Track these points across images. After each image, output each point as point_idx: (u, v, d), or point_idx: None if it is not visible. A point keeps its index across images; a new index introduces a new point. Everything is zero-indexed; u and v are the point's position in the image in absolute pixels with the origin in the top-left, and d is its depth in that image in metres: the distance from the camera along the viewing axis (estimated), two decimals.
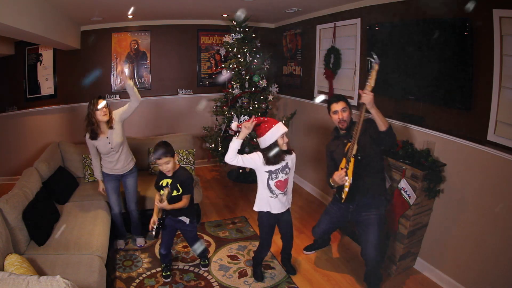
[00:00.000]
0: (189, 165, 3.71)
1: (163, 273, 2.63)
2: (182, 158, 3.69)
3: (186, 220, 2.51)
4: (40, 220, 2.50)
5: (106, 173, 2.83)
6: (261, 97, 4.32)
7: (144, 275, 2.67)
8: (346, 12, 3.46)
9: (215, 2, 3.57)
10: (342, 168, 2.29)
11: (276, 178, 2.31)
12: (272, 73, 4.82)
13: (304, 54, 4.36)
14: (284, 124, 2.31)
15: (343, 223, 2.72)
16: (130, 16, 4.22)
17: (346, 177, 2.25)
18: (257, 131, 2.31)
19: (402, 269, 2.74)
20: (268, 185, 2.33)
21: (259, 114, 4.28)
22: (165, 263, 2.65)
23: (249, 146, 4.17)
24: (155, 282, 2.60)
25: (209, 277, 2.67)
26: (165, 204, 2.36)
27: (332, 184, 2.37)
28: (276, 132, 2.23)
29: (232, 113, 4.28)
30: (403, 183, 2.52)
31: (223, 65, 4.49)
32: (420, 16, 2.63)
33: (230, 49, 4.29)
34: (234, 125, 2.38)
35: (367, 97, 2.02)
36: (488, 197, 2.25)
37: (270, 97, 4.41)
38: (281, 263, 2.84)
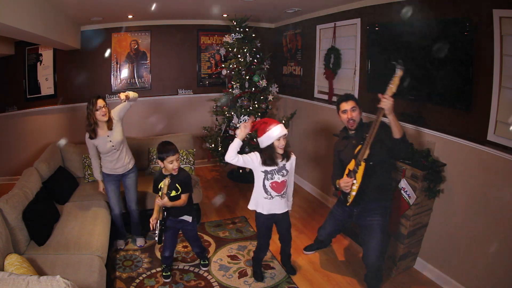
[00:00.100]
0: (189, 165, 3.70)
1: (163, 273, 2.63)
2: (182, 158, 3.69)
3: (189, 218, 2.51)
4: (40, 220, 2.50)
5: (106, 174, 2.82)
6: (261, 97, 4.32)
7: (144, 275, 2.67)
8: (346, 12, 3.46)
9: (215, 2, 3.57)
10: (350, 170, 2.26)
11: (271, 179, 2.30)
12: (272, 73, 4.83)
13: (304, 54, 4.36)
14: (284, 124, 2.30)
15: (348, 225, 2.71)
16: (130, 17, 4.23)
17: (355, 181, 2.23)
18: (257, 131, 2.31)
19: (402, 269, 2.74)
20: (264, 186, 2.32)
21: (259, 114, 4.28)
22: (166, 264, 2.65)
23: (249, 146, 4.17)
24: (155, 282, 2.60)
25: (209, 277, 2.67)
26: (166, 200, 2.34)
27: (338, 187, 2.36)
28: (272, 134, 2.21)
29: (232, 113, 4.29)
30: (403, 183, 2.52)
31: (223, 65, 4.49)
32: (420, 16, 2.63)
33: (230, 49, 4.29)
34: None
35: (388, 103, 1.96)
36: (488, 197, 2.24)
37: (270, 97, 4.41)
38: (281, 263, 2.83)
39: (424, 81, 2.61)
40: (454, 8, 2.37)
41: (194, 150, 3.87)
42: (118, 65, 4.73)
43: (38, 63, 4.49)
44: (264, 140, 2.25)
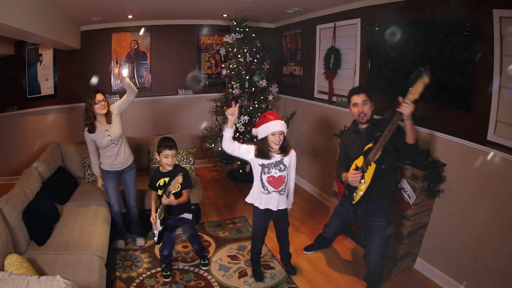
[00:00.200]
0: (189, 165, 3.71)
1: (163, 273, 2.63)
2: (182, 158, 3.69)
3: (189, 216, 2.52)
4: (40, 220, 2.50)
5: (105, 170, 2.82)
6: (261, 97, 4.32)
7: (144, 275, 2.67)
8: (346, 12, 3.46)
9: (215, 2, 3.57)
10: (357, 166, 2.22)
11: (268, 173, 2.28)
12: (272, 73, 4.83)
13: (304, 54, 4.36)
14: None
15: (352, 223, 2.69)
16: (130, 17, 4.23)
17: (363, 180, 2.21)
18: (257, 121, 2.30)
19: (402, 269, 2.74)
20: (261, 180, 2.31)
21: (259, 114, 4.28)
22: (166, 263, 2.65)
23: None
24: (155, 282, 2.60)
25: (209, 277, 2.67)
26: (173, 199, 2.32)
27: (344, 180, 2.32)
28: (268, 127, 2.19)
29: None
30: (403, 183, 2.52)
31: (223, 65, 4.49)
32: (420, 16, 2.63)
33: (230, 49, 4.29)
34: (254, 131, 2.32)
35: (408, 108, 1.86)
36: (488, 197, 2.25)
37: (270, 97, 4.41)
38: (281, 263, 2.83)
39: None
40: (454, 8, 2.37)
41: (194, 150, 3.87)
42: (118, 65, 4.72)
43: (38, 63, 4.49)
44: (260, 131, 2.23)
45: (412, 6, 2.69)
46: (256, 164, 2.30)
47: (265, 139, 2.22)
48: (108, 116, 2.65)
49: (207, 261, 2.81)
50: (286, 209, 2.47)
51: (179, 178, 2.22)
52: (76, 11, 3.57)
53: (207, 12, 4.28)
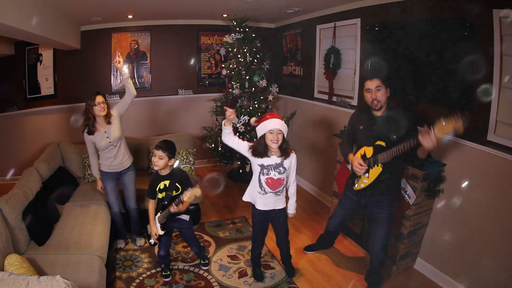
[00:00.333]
0: (189, 165, 3.71)
1: (163, 273, 2.63)
2: (182, 158, 3.69)
3: (186, 217, 2.51)
4: (40, 220, 2.50)
5: (104, 172, 2.82)
6: (261, 97, 4.32)
7: (144, 275, 2.67)
8: (346, 12, 3.46)
9: (215, 2, 3.57)
10: (365, 158, 2.21)
11: (267, 174, 2.27)
12: (272, 73, 4.83)
13: (304, 54, 4.36)
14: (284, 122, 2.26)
15: (357, 214, 2.67)
16: (130, 17, 4.23)
17: (367, 174, 2.23)
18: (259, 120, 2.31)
19: (402, 269, 2.74)
20: (259, 180, 2.30)
21: (259, 114, 4.28)
22: (164, 263, 2.65)
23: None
24: (155, 282, 2.60)
25: (209, 277, 2.67)
26: (181, 207, 2.32)
27: (348, 161, 2.32)
28: (266, 125, 2.19)
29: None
30: (403, 183, 2.52)
31: (223, 65, 4.49)
32: (420, 16, 2.63)
33: (230, 49, 4.29)
34: (252, 120, 2.37)
35: (430, 143, 1.83)
36: (488, 197, 2.25)
37: (270, 97, 4.41)
38: (280, 263, 2.83)
39: (424, 81, 2.61)
40: (454, 8, 2.37)
41: (194, 150, 3.87)
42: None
43: (38, 63, 4.49)
44: (259, 129, 2.24)
45: (412, 6, 2.69)
46: (255, 163, 2.29)
47: (263, 138, 2.22)
48: (107, 117, 2.66)
49: (207, 261, 2.81)
50: (284, 209, 2.45)
51: (198, 191, 2.21)
52: (76, 11, 3.57)
53: (207, 12, 4.28)
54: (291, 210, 2.49)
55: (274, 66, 4.87)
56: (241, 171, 4.59)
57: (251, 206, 2.45)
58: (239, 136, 4.17)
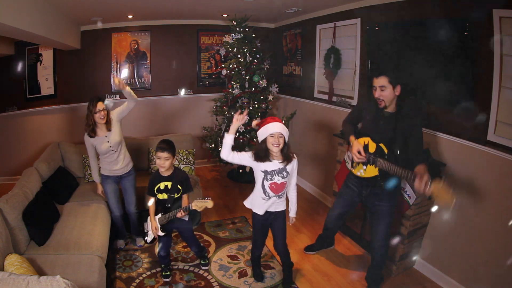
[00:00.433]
0: (189, 165, 3.71)
1: (163, 273, 2.63)
2: (182, 158, 3.69)
3: (186, 217, 2.52)
4: (40, 220, 2.50)
5: (105, 176, 2.83)
6: (261, 97, 4.32)
7: (144, 275, 2.67)
8: (346, 12, 3.46)
9: (215, 2, 3.57)
10: (366, 149, 2.22)
11: (271, 179, 2.25)
12: (272, 73, 4.83)
13: (304, 54, 4.36)
14: (284, 124, 2.22)
15: (356, 206, 2.65)
16: (130, 17, 4.23)
17: (364, 167, 2.24)
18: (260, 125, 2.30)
19: (402, 269, 2.74)
20: (263, 186, 2.28)
21: (259, 114, 4.28)
22: (165, 263, 2.65)
23: (249, 146, 4.17)
24: (155, 282, 2.60)
25: (209, 277, 2.67)
26: (186, 213, 2.39)
27: (350, 143, 2.31)
28: (267, 129, 2.17)
29: (232, 113, 4.29)
30: (403, 183, 2.52)
31: (223, 65, 4.49)
32: (420, 16, 2.63)
33: (230, 49, 4.29)
34: (254, 123, 2.37)
35: (419, 190, 1.92)
36: (488, 197, 2.25)
37: (270, 97, 4.41)
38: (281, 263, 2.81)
39: (424, 81, 2.61)
40: (454, 8, 2.37)
41: (194, 150, 3.87)
42: (118, 65, 4.73)
43: (38, 63, 4.49)
44: (260, 133, 2.23)
45: (412, 6, 2.69)
46: (258, 170, 2.26)
47: (264, 142, 2.20)
48: (107, 124, 2.68)
49: (207, 261, 2.81)
50: (283, 211, 2.42)
51: (210, 203, 2.29)
52: (76, 11, 3.57)
53: (207, 12, 4.28)
54: (293, 214, 2.47)
55: (274, 66, 4.87)
56: (241, 171, 4.59)
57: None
58: (239, 136, 4.21)
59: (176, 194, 2.40)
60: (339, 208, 2.64)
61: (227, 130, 2.26)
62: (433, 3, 2.52)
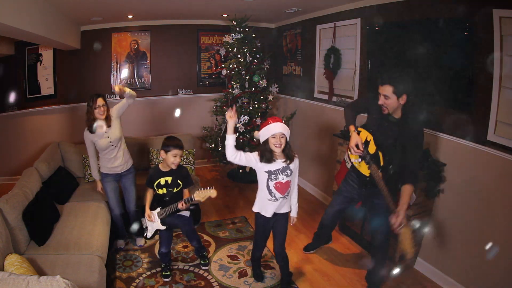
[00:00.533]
0: (189, 165, 3.71)
1: (163, 273, 2.63)
2: (182, 158, 3.69)
3: (187, 213, 2.53)
4: (40, 220, 2.50)
5: (104, 174, 2.83)
6: (261, 97, 4.32)
7: (144, 275, 2.67)
8: (346, 12, 3.47)
9: (215, 2, 3.57)
10: (366, 144, 2.22)
11: (275, 179, 2.24)
12: (272, 73, 4.83)
13: (304, 54, 4.36)
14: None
15: (354, 203, 2.65)
16: (130, 17, 4.23)
17: (359, 159, 2.26)
18: (260, 126, 2.30)
19: (402, 269, 2.74)
20: (268, 187, 2.26)
21: (259, 114, 4.28)
22: (165, 262, 2.65)
23: (249, 146, 4.17)
24: (155, 282, 2.60)
25: (209, 277, 2.67)
26: (187, 205, 2.44)
27: (349, 130, 2.30)
28: (268, 129, 2.17)
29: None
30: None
31: (223, 65, 4.49)
32: (420, 16, 2.63)
33: (230, 49, 4.29)
34: (256, 134, 2.35)
35: (392, 222, 2.06)
36: (488, 197, 2.25)
37: (270, 97, 4.41)
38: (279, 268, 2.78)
39: (424, 81, 2.61)
40: (454, 8, 2.37)
41: (194, 150, 3.87)
42: (118, 65, 4.73)
43: (38, 63, 4.49)
44: (262, 134, 2.22)
45: (412, 6, 2.69)
46: (262, 171, 2.25)
47: (266, 142, 2.20)
48: (107, 120, 2.69)
49: (207, 261, 2.81)
50: (287, 213, 2.41)
51: (214, 192, 2.33)
52: (76, 11, 3.57)
53: (207, 12, 4.28)
54: (294, 213, 2.45)
55: (274, 66, 4.87)
56: (241, 171, 4.59)
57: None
58: (239, 136, 4.21)
59: (175, 188, 2.41)
60: (338, 204, 2.64)
61: (226, 131, 2.26)
62: (433, 3, 2.52)
